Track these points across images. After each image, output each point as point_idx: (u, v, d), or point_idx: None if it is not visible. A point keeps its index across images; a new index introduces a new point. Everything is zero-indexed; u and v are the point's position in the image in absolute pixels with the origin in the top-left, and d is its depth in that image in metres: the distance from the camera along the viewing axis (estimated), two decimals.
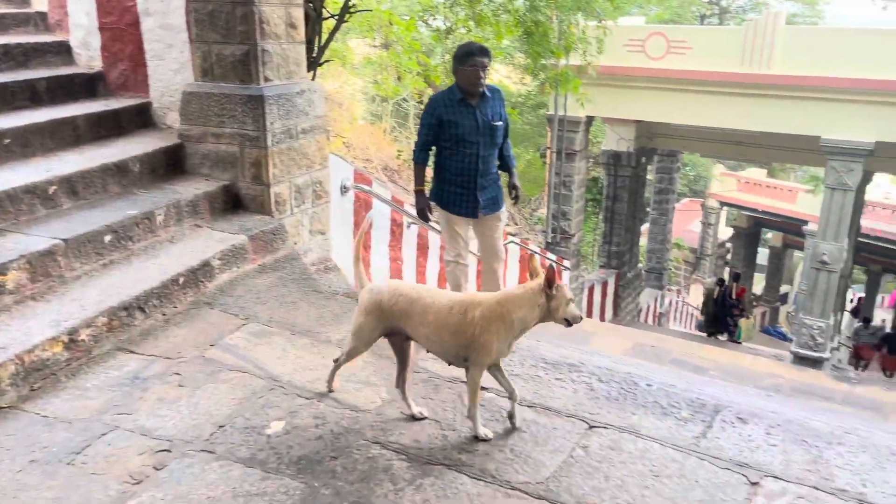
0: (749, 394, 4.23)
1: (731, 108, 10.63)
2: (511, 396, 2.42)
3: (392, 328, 2.41)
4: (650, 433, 2.46)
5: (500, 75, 20.00)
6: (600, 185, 15.46)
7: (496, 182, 4.06)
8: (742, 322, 14.75)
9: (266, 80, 3.86)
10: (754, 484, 2.20)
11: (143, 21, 4.17)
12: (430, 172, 4.13)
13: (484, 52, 3.80)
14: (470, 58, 3.74)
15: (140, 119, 4.28)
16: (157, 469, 2.15)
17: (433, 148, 3.99)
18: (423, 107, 14.34)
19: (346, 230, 5.05)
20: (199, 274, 3.32)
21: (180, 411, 2.44)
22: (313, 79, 5.56)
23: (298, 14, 4.06)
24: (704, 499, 2.13)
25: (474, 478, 2.18)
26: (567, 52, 8.02)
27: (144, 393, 2.54)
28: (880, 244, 20.14)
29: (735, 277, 15.45)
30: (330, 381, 2.59)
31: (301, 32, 4.10)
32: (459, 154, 3.88)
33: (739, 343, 13.80)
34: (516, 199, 4.22)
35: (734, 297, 14.27)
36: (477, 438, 2.36)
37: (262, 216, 3.92)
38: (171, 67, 4.20)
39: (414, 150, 4.03)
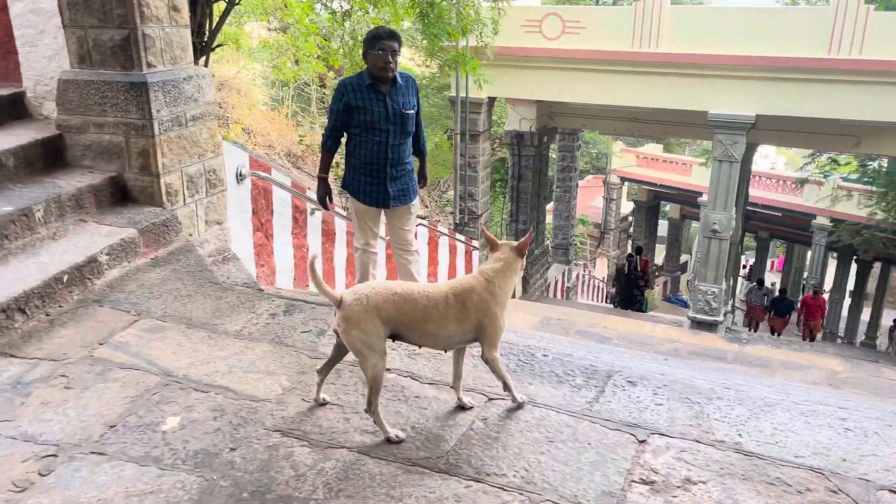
0: (646, 359, 4.45)
1: (625, 85, 11.00)
2: (455, 384, 2.51)
3: (390, 331, 2.28)
4: (546, 401, 2.55)
5: (404, 58, 19.90)
6: (507, 166, 15.71)
7: (409, 173, 3.99)
8: (647, 293, 15.50)
9: (149, 65, 3.71)
10: (642, 442, 2.33)
11: (12, 5, 3.92)
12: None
13: (393, 36, 3.68)
14: (378, 42, 3.63)
15: (13, 110, 4.03)
16: (43, 475, 2.06)
17: (345, 134, 3.90)
18: (325, 91, 14.09)
19: (244, 219, 4.94)
20: (85, 271, 3.18)
21: (67, 414, 2.34)
22: (206, 64, 5.38)
23: None
24: (596, 459, 2.23)
25: (376, 458, 2.21)
26: (464, 33, 8.07)
27: (27, 398, 2.42)
28: (767, 212, 21.41)
29: (637, 251, 16.16)
30: (385, 429, 2.28)
31: (185, 15, 3.96)
32: (369, 142, 3.78)
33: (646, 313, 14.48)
34: (421, 185, 4.21)
35: (639, 269, 14.97)
36: (521, 406, 2.49)
37: (152, 208, 3.78)
38: (44, 54, 3.96)
39: (323, 136, 3.94)
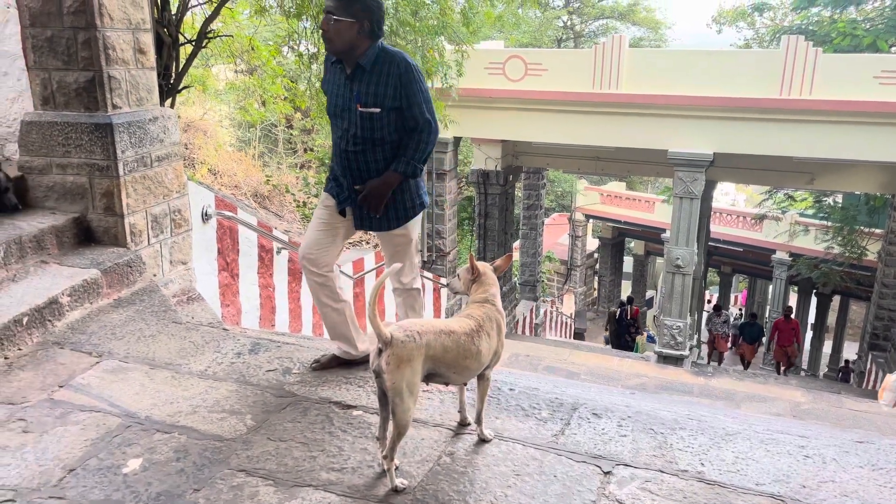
0: (613, 392, 4.49)
1: (587, 125, 11.28)
2: (462, 409, 2.59)
3: (427, 371, 2.23)
4: (512, 435, 2.57)
5: None
6: (474, 204, 15.87)
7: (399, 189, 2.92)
8: (638, 338, 15.95)
9: (115, 107, 3.72)
10: (607, 473, 2.36)
11: None
12: None
13: None
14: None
15: None
16: None
17: None
18: (291, 132, 14.13)
19: (209, 258, 4.91)
20: (45, 313, 3.14)
21: (25, 458, 2.29)
22: (172, 105, 5.40)
23: (147, 39, 3.95)
24: (562, 492, 2.25)
25: (343, 495, 2.19)
26: (429, 75, 8.23)
27: None
28: (729, 247, 21.90)
29: (629, 300, 16.87)
30: (392, 478, 2.21)
31: (151, 58, 3.99)
32: (334, 137, 2.94)
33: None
34: (367, 206, 2.87)
35: (630, 317, 15.55)
36: (484, 441, 2.50)
37: (116, 248, 3.75)
38: (7, 96, 3.96)
39: None
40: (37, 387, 2.72)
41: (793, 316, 15.32)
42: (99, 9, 3.52)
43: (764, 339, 16.15)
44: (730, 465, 2.43)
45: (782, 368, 14.12)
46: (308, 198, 10.64)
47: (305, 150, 16.50)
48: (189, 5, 5.62)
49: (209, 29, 5.77)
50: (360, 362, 3.09)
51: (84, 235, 3.79)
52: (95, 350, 3.05)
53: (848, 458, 2.52)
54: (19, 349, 2.95)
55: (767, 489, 2.29)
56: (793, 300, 23.10)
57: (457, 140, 12.52)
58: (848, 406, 8.20)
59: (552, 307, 20.11)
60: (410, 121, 2.80)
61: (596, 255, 27.83)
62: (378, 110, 2.75)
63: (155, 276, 3.93)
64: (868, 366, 13.30)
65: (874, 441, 2.78)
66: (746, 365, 14.64)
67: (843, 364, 18.06)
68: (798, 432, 2.86)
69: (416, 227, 3.05)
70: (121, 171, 3.69)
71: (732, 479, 2.34)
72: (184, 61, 5.57)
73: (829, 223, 17.41)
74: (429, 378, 2.28)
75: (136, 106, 3.87)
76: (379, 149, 2.82)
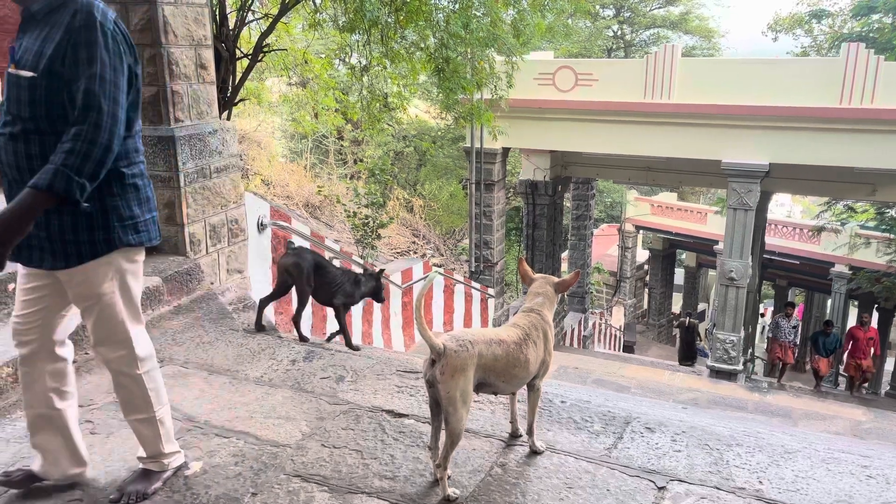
0: (665, 406, 4.42)
1: (638, 135, 11.15)
2: (513, 420, 2.61)
3: (477, 381, 2.23)
4: (564, 447, 2.56)
5: (419, 110, 20.36)
6: (522, 214, 15.83)
7: (57, 212, 1.93)
8: None
9: (177, 120, 3.85)
10: (661, 489, 2.33)
11: None
12: None
13: None
14: None
15: None
16: None
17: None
18: (342, 143, 14.37)
19: (264, 268, 5.02)
20: None
21: (93, 459, 2.37)
22: (229, 118, 5.56)
23: (209, 55, 4.08)
24: None
25: (396, 503, 2.22)
26: (479, 87, 8.27)
27: None
28: (784, 260, 21.30)
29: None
30: (445, 486, 2.21)
31: (212, 73, 4.12)
32: None
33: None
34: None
35: None
36: (536, 453, 2.50)
37: (176, 257, 3.87)
38: None
39: None
40: (103, 390, 2.83)
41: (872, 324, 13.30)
42: (164, 26, 3.66)
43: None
44: (789, 483, 2.37)
45: (856, 384, 12.49)
46: (358, 208, 10.80)
47: (355, 161, 16.74)
48: (246, 21, 5.78)
49: (265, 43, 5.92)
50: (61, 488, 2.20)
51: None
52: (157, 355, 3.14)
53: None
54: (86, 353, 3.07)
55: None
56: (852, 315, 22.30)
57: (505, 151, 12.53)
58: None
59: (601, 319, 19.86)
60: (75, 100, 1.86)
61: (646, 267, 27.41)
62: (31, 74, 1.89)
63: (212, 284, 4.04)
64: None
65: None
66: (821, 379, 13.06)
67: None
68: (860, 452, 2.78)
69: (112, 273, 2.04)
70: (182, 183, 3.82)
71: (792, 498, 2.28)
72: (240, 75, 5.73)
73: (892, 235, 16.78)
74: (478, 388, 2.28)
75: (197, 119, 4.00)
76: (35, 138, 1.90)
